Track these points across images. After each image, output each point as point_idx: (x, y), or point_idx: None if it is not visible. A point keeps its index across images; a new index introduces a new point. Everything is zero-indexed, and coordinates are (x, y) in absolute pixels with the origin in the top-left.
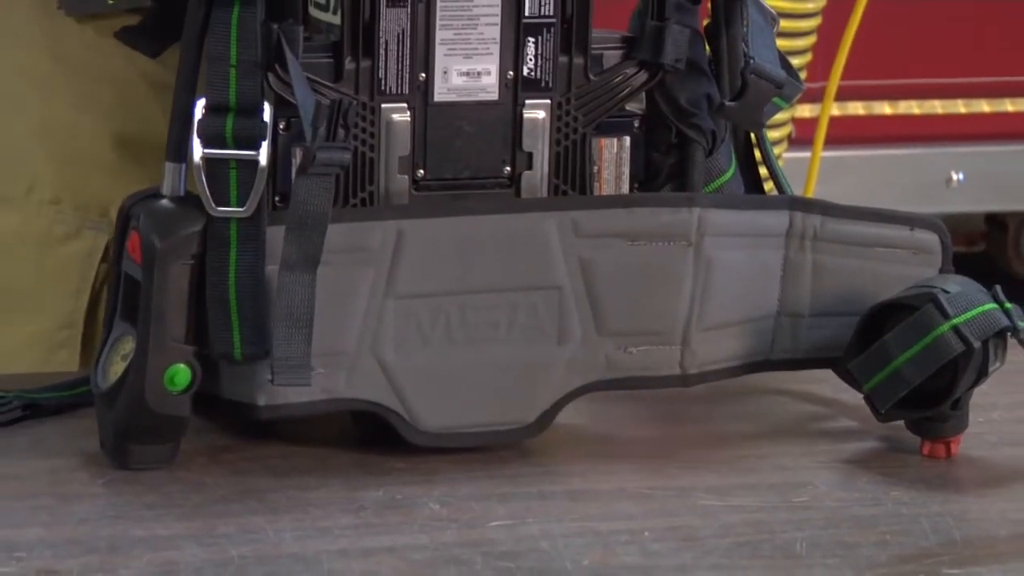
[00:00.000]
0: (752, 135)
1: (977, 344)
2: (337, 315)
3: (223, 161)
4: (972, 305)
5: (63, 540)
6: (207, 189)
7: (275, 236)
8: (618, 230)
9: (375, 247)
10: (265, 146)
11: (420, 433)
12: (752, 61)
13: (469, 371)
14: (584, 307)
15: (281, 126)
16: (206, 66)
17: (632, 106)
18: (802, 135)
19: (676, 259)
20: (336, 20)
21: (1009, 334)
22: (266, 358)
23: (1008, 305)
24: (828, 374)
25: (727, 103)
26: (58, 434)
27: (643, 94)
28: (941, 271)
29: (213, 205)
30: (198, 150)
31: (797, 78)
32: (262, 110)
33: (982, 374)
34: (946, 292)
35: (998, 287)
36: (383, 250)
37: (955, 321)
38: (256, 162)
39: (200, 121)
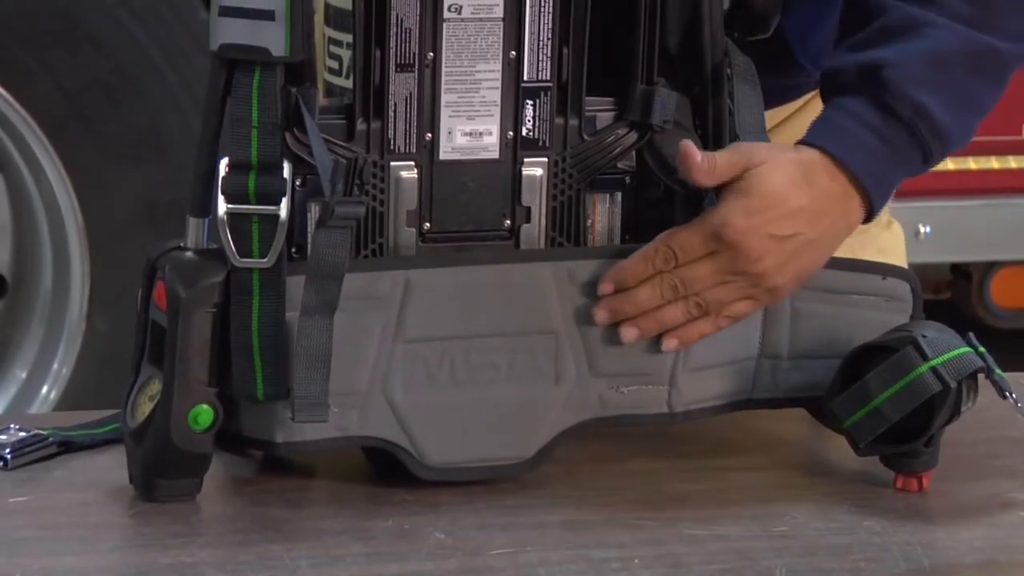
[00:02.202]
0: None
1: (954, 384)
2: (350, 358)
3: (245, 216)
4: (949, 348)
5: (95, 567)
6: (231, 242)
7: (294, 285)
8: None
9: (385, 295)
10: (285, 202)
11: (426, 468)
12: (739, 138)
13: (472, 410)
14: (578, 350)
15: (297, 183)
16: (228, 127)
17: (623, 164)
18: None
19: None
20: (349, 84)
21: (983, 375)
22: (286, 398)
23: (982, 349)
24: (807, 412)
25: None
26: (90, 469)
27: (633, 153)
28: (912, 318)
29: (237, 256)
30: (222, 206)
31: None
32: (282, 168)
33: (955, 413)
34: (924, 336)
35: (971, 334)
36: (392, 297)
37: (933, 362)
38: (277, 216)
39: (224, 179)
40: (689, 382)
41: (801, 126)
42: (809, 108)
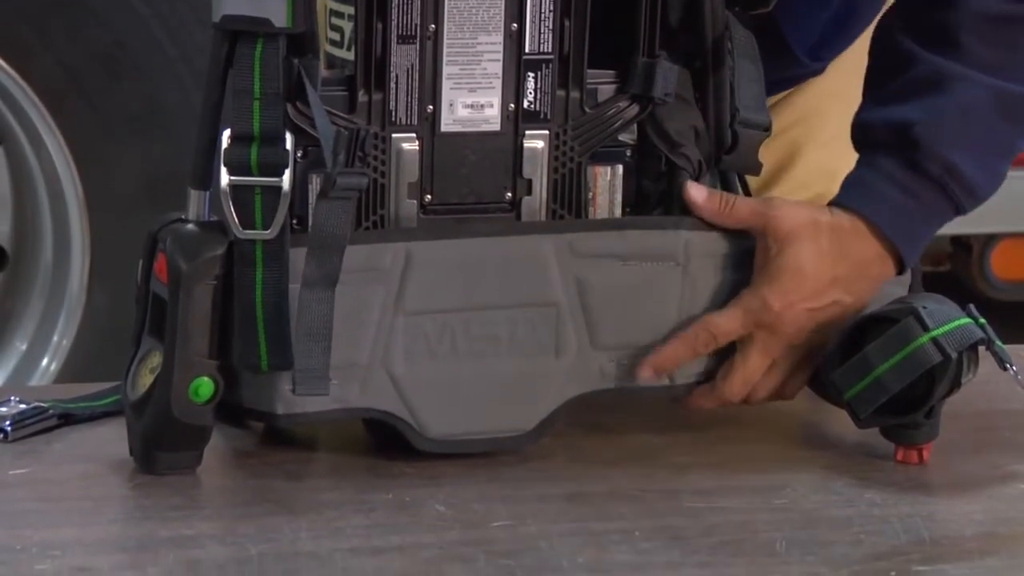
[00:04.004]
0: None
1: (954, 355)
2: (351, 330)
3: (248, 187)
4: (950, 319)
5: (95, 539)
6: (233, 214)
7: (297, 256)
8: (611, 251)
9: (386, 267)
10: (288, 173)
11: (427, 440)
12: (739, 112)
13: (473, 382)
14: (579, 322)
15: (299, 154)
16: (231, 99)
17: (624, 136)
18: None
19: (665, 279)
20: (350, 56)
21: (983, 347)
22: (290, 368)
23: (982, 320)
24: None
25: (724, 157)
26: (91, 441)
27: (635, 125)
28: (911, 290)
29: (240, 228)
30: (225, 178)
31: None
32: (284, 140)
33: (956, 384)
34: (925, 307)
35: (971, 305)
36: (393, 270)
37: (934, 333)
38: (279, 188)
39: (226, 150)
40: None
41: (794, 107)
42: (803, 88)
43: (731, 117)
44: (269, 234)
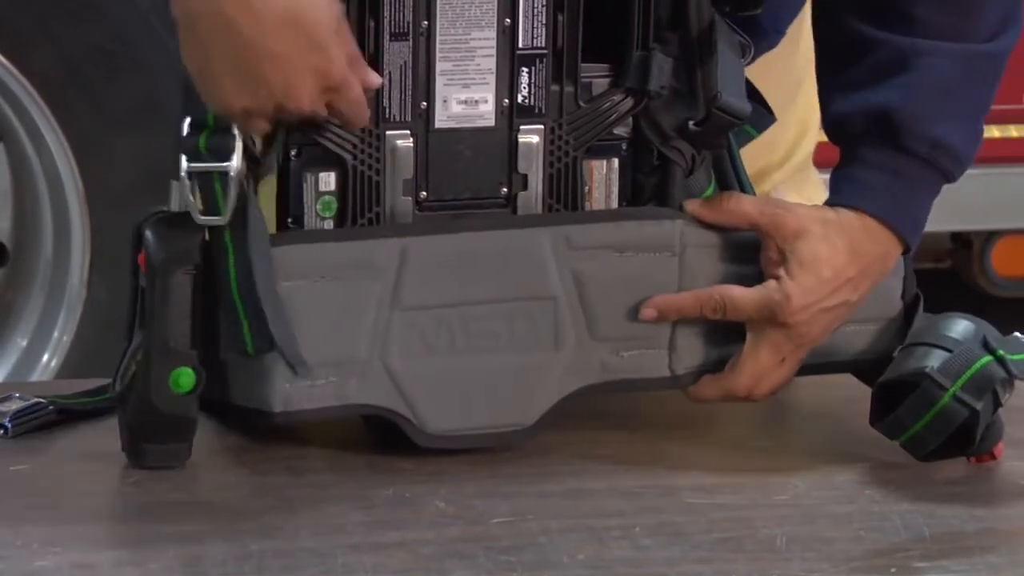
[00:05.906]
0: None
1: (979, 406)
2: (348, 326)
3: (208, 174)
4: (966, 367)
5: (96, 536)
6: (194, 200)
7: (283, 255)
8: (607, 242)
9: (381, 263)
10: (236, 157)
11: (427, 436)
12: (720, 96)
13: (472, 377)
14: (578, 315)
15: (293, 153)
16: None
17: (620, 130)
18: None
19: (662, 269)
20: None
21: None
22: (272, 350)
23: (1000, 352)
24: (806, 379)
25: (691, 127)
26: (91, 438)
27: (630, 119)
28: (905, 284)
29: (200, 216)
30: (184, 164)
31: (769, 110)
32: (232, 127)
33: (997, 406)
34: (945, 350)
35: (987, 336)
36: (388, 266)
37: (953, 390)
38: (228, 172)
39: (183, 138)
40: (688, 345)
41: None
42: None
43: (712, 98)
44: (221, 220)
